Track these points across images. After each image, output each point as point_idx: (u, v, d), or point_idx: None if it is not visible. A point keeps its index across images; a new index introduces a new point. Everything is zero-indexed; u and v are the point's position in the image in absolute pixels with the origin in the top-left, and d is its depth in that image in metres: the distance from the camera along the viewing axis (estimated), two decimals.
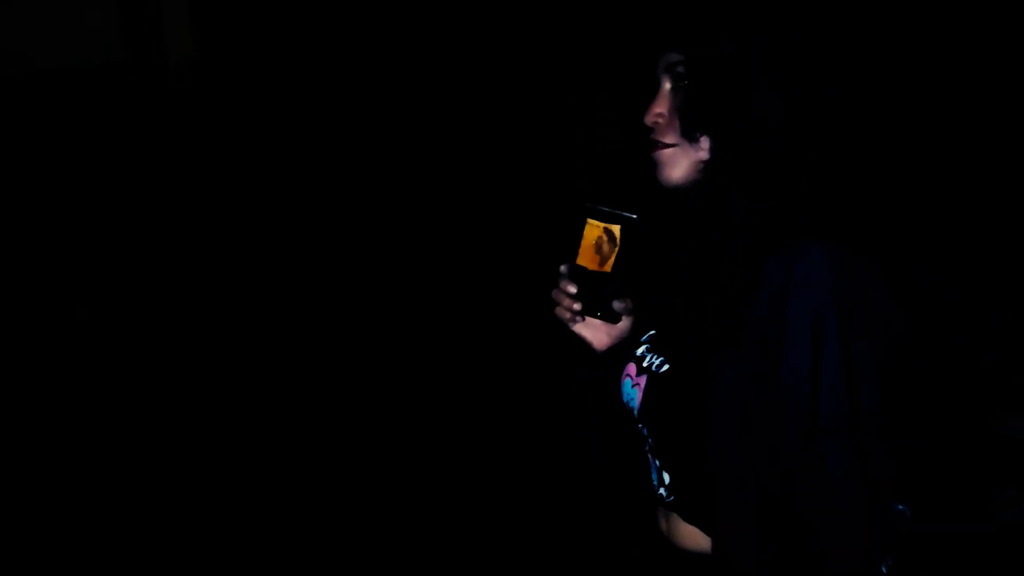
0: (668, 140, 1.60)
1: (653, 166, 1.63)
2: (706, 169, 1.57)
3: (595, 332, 1.77)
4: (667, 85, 1.59)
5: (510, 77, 5.68)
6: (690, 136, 1.56)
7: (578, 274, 1.71)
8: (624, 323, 1.76)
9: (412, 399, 4.16)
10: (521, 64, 5.63)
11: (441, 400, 4.14)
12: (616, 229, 1.67)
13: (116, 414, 4.11)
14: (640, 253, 1.70)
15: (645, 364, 1.70)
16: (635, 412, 1.69)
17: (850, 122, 1.52)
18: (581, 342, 1.79)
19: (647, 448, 1.72)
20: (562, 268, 1.71)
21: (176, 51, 6.06)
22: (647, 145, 1.62)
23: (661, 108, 1.60)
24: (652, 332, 1.75)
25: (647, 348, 1.73)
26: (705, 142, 1.55)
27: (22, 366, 4.43)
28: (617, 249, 1.68)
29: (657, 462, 1.70)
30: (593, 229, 1.69)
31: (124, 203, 5.60)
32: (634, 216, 1.66)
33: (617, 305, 1.71)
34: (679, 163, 1.60)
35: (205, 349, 4.66)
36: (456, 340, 4.63)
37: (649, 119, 1.60)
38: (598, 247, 1.70)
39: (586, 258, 1.70)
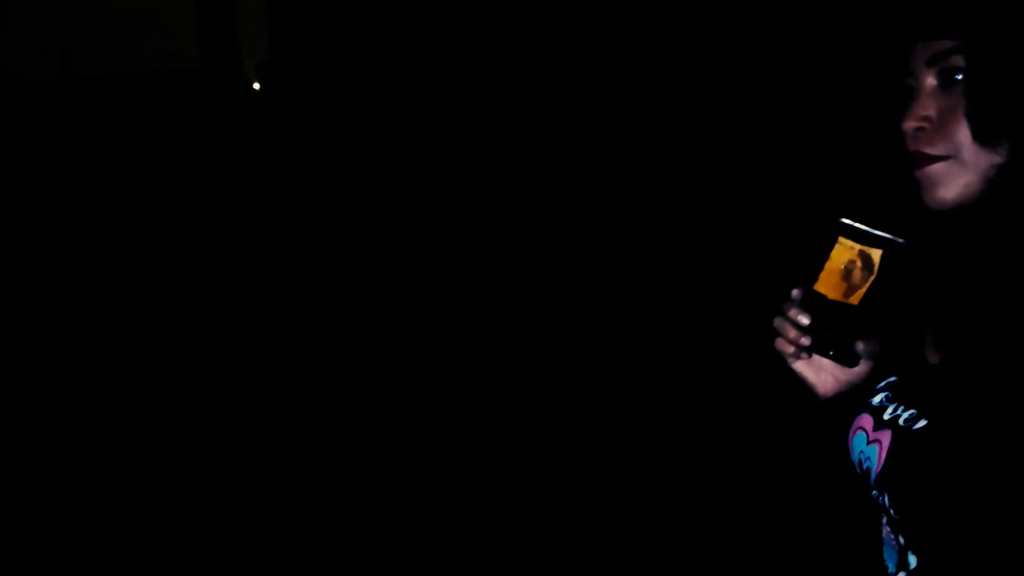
0: (937, 151, 1.27)
1: (912, 185, 1.32)
2: (997, 182, 1.26)
3: (821, 374, 1.44)
4: (932, 82, 1.27)
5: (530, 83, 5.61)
6: (982, 141, 1.23)
7: (815, 302, 1.40)
8: (862, 367, 1.43)
9: (412, 399, 4.14)
10: (522, 65, 5.56)
11: (441, 400, 4.11)
12: (876, 255, 1.38)
13: (133, 414, 4.15)
14: (899, 286, 1.41)
15: (887, 417, 1.38)
16: (872, 476, 1.37)
17: None
18: (799, 384, 1.46)
19: (884, 521, 1.40)
20: (794, 292, 1.39)
21: (251, 57, 6.13)
22: (903, 158, 1.32)
23: (928, 111, 1.27)
24: (893, 379, 1.43)
25: (887, 397, 1.41)
26: (994, 149, 1.23)
27: (56, 366, 4.50)
28: (873, 278, 1.38)
29: (901, 540, 1.37)
30: (844, 251, 1.39)
31: (197, 206, 5.66)
32: (902, 241, 1.35)
33: (860, 347, 1.40)
34: (955, 179, 1.27)
35: (236, 349, 4.68)
36: (445, 345, 4.59)
37: (910, 125, 1.27)
38: (847, 273, 1.40)
39: (829, 285, 1.40)
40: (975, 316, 1.31)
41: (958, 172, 1.26)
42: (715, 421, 3.40)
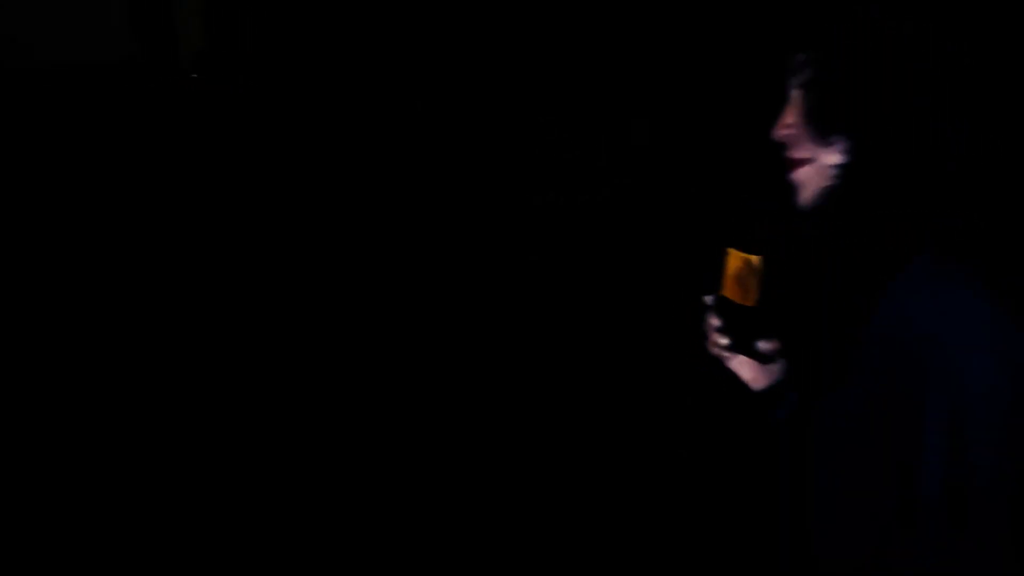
0: (800, 156, 1.35)
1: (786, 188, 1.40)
2: (837, 178, 1.33)
3: (750, 370, 1.55)
4: (796, 92, 1.35)
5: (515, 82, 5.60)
6: (821, 144, 1.31)
7: (723, 307, 1.52)
8: (779, 362, 1.54)
9: (411, 399, 4.13)
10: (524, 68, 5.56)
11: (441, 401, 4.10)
12: (756, 260, 1.47)
13: (118, 414, 4.09)
14: (786, 284, 1.51)
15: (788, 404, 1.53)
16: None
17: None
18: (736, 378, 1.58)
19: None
20: (707, 299, 1.54)
21: (187, 46, 5.99)
22: (777, 163, 1.40)
23: (790, 118, 1.36)
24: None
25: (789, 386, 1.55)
26: (834, 152, 1.31)
27: (24, 366, 4.41)
28: (759, 282, 1.49)
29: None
30: (733, 258, 1.49)
31: (133, 198, 5.55)
32: (783, 244, 1.51)
33: (762, 346, 1.51)
34: (813, 181, 1.35)
35: (205, 345, 4.62)
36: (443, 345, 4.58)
37: (776, 133, 1.36)
38: (740, 278, 1.49)
39: (729, 290, 1.50)
40: (803, 310, 1.45)
41: (815, 175, 1.34)
42: (715, 421, 3.41)
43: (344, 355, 4.47)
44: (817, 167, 1.33)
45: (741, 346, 1.51)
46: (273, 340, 4.59)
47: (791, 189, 1.37)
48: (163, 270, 5.12)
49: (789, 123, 1.35)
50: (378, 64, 5.77)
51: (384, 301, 4.93)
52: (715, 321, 1.50)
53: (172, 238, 5.32)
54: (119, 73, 6.05)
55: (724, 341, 1.51)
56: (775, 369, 1.54)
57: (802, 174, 1.35)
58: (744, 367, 1.54)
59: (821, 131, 1.31)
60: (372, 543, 3.27)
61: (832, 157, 1.30)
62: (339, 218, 5.45)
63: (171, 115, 6.02)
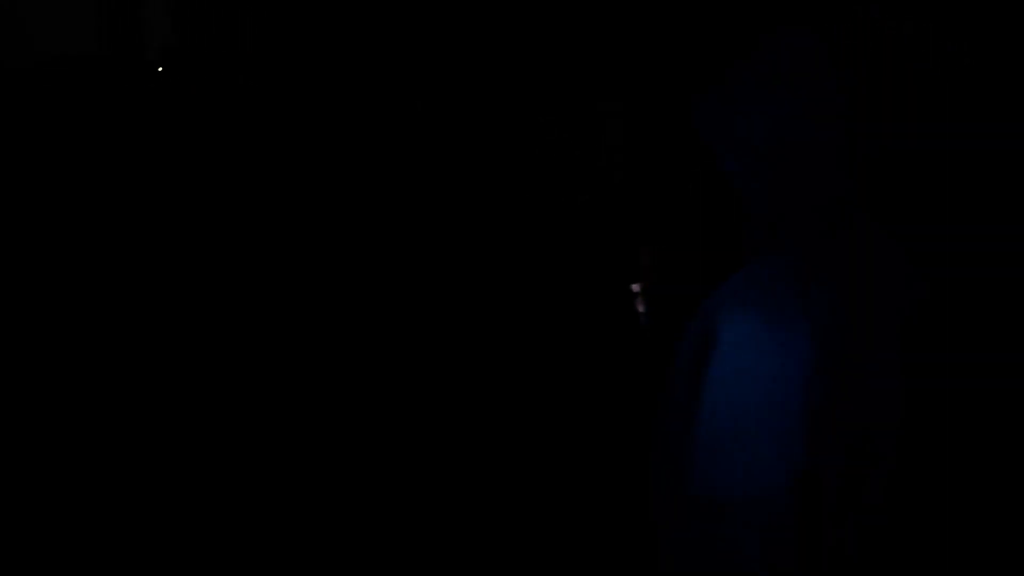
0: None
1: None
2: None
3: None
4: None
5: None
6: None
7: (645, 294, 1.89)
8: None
9: (410, 399, 4.13)
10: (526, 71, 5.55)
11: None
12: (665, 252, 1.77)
13: (116, 414, 4.06)
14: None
15: None
16: None
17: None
18: None
19: None
20: (634, 287, 1.90)
21: (154, 40, 5.91)
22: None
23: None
24: None
25: None
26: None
27: (18, 366, 4.35)
28: (663, 270, 1.83)
29: None
30: (649, 251, 1.82)
31: (100, 199, 5.48)
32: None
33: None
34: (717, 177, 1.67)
35: (190, 349, 4.58)
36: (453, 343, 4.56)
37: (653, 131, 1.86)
38: (652, 267, 1.84)
39: (647, 277, 1.89)
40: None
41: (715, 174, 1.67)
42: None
43: (344, 355, 4.45)
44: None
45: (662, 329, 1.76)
46: (260, 344, 4.56)
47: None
48: (135, 270, 5.07)
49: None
50: (370, 63, 5.73)
51: (384, 301, 4.90)
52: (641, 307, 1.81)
53: (141, 238, 5.27)
54: (85, 67, 5.97)
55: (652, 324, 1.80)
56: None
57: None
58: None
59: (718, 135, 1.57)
60: (372, 543, 3.27)
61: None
62: (332, 218, 5.41)
63: (139, 110, 5.96)
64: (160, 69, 6.02)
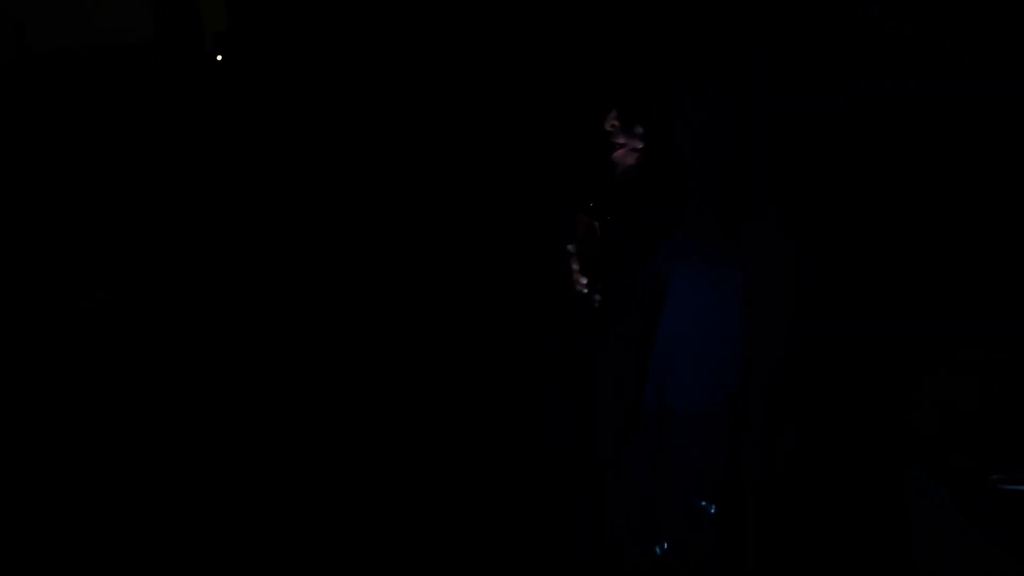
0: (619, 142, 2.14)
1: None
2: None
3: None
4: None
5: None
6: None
7: (578, 255, 2.23)
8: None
9: (410, 399, 4.12)
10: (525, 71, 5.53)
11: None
12: (597, 224, 2.10)
13: (120, 409, 4.09)
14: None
15: None
16: None
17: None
18: None
19: None
20: (569, 248, 2.25)
21: (208, 29, 5.98)
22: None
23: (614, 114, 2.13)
24: None
25: None
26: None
27: (27, 358, 4.41)
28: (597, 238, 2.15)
29: None
30: (582, 221, 2.14)
31: (153, 187, 5.56)
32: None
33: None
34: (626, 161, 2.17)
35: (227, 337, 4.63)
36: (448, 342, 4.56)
37: (607, 124, 2.18)
38: (586, 236, 2.16)
39: (580, 243, 2.20)
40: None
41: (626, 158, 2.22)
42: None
43: (343, 355, 4.46)
44: (626, 151, 2.04)
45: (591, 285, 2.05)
46: (287, 334, 4.59)
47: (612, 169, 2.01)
48: (181, 255, 5.13)
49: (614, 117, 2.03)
50: (408, 42, 5.73)
51: (383, 302, 4.91)
52: (575, 265, 2.10)
53: (190, 222, 5.33)
54: (142, 55, 6.05)
55: (582, 280, 2.13)
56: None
57: (616, 156, 2.07)
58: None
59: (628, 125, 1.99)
60: (372, 543, 3.26)
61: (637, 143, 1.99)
62: (346, 216, 5.43)
63: (195, 98, 6.02)
64: (218, 58, 6.09)
